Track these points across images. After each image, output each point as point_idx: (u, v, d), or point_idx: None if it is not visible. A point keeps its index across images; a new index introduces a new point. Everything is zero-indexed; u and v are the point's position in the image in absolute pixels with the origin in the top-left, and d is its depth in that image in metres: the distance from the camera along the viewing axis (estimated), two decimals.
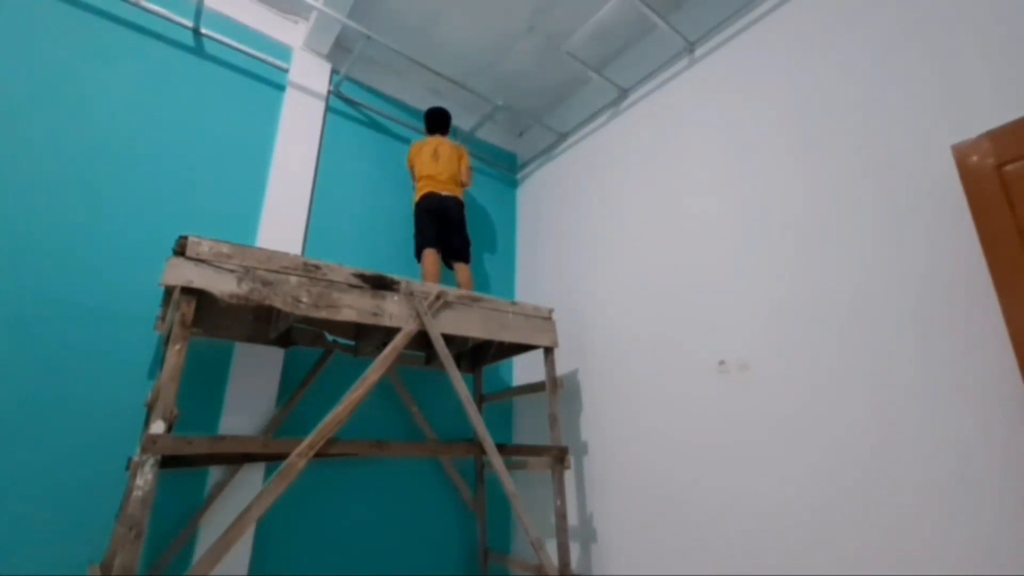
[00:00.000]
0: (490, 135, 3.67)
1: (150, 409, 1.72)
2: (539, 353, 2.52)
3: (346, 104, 3.03)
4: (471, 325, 2.18)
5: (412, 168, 2.93)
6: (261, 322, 2.17)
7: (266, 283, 1.68)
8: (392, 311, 1.94)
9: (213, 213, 2.36)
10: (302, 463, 1.65)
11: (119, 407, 1.93)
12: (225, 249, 1.63)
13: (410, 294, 2.01)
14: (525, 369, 3.12)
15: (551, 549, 2.23)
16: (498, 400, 3.01)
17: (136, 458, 1.40)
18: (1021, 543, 1.31)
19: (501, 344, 2.53)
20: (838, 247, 1.83)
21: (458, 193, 2.85)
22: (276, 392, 2.27)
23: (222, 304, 1.65)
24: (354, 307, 1.86)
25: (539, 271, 3.34)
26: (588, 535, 2.45)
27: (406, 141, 3.20)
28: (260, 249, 1.73)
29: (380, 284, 1.95)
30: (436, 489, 2.70)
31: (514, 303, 2.40)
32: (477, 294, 2.28)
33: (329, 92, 2.92)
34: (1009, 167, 1.35)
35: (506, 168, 3.76)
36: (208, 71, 2.55)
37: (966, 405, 1.46)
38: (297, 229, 2.56)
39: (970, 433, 1.44)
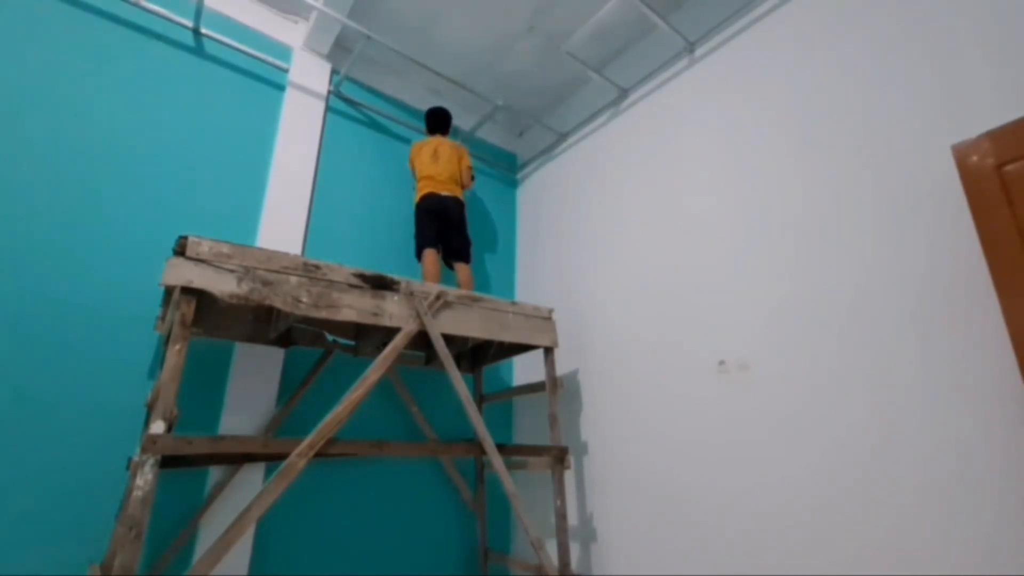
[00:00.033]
0: (490, 135, 3.66)
1: (150, 409, 1.72)
2: (539, 353, 2.52)
3: (346, 104, 3.03)
4: (471, 325, 2.18)
5: (413, 168, 2.94)
6: (261, 322, 2.17)
7: (266, 283, 1.68)
8: (392, 311, 1.94)
9: (213, 213, 2.36)
10: (302, 463, 1.65)
11: (119, 407, 1.93)
12: (225, 249, 1.63)
13: (410, 294, 2.01)
14: (525, 369, 3.12)
15: (551, 549, 2.23)
16: (498, 400, 3.01)
17: (136, 458, 1.40)
18: (1021, 543, 1.31)
19: (501, 344, 2.53)
20: (838, 247, 1.83)
21: (458, 193, 2.85)
22: (276, 392, 2.27)
23: (222, 304, 1.65)
24: (354, 307, 1.86)
25: (539, 271, 3.34)
26: (588, 535, 2.45)
27: (406, 141, 3.20)
28: (260, 249, 1.73)
29: (380, 284, 1.95)
30: (436, 489, 2.70)
31: (514, 303, 2.40)
32: (477, 294, 2.28)
33: (329, 92, 2.92)
34: (1009, 167, 1.35)
35: (506, 168, 3.76)
36: (208, 71, 2.55)
37: (966, 405, 1.46)
38: (297, 229, 2.56)
39: (970, 433, 1.44)
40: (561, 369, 2.76)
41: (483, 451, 2.11)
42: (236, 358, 2.22)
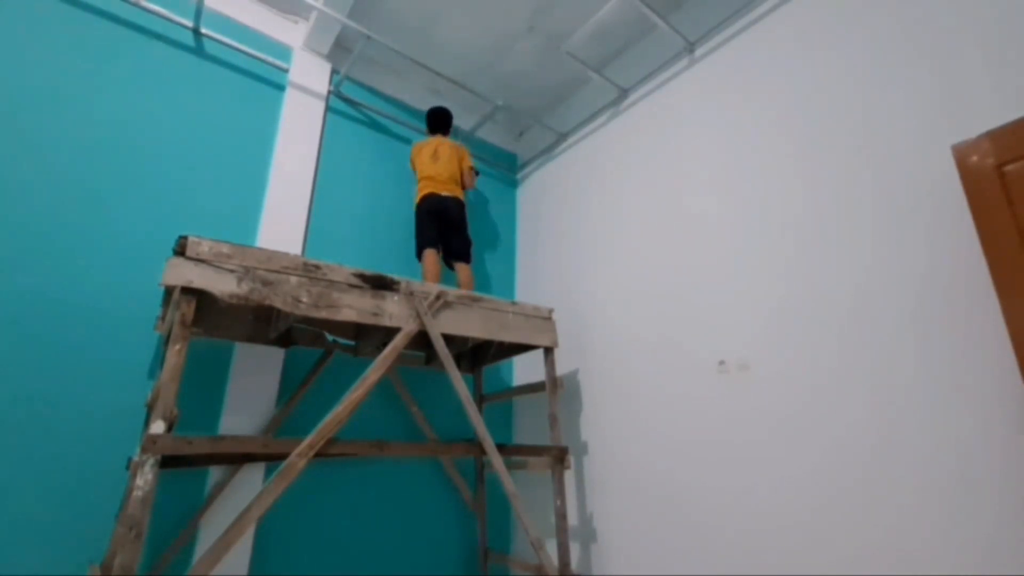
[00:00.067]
0: (490, 135, 3.66)
1: (150, 409, 1.72)
2: (539, 353, 2.52)
3: (346, 104, 3.03)
4: (471, 325, 2.18)
5: (414, 168, 2.94)
6: (261, 322, 2.17)
7: (266, 283, 1.68)
8: (392, 311, 1.94)
9: (213, 213, 2.36)
10: (302, 463, 1.65)
11: (119, 407, 1.93)
12: (225, 249, 1.63)
13: (410, 294, 2.01)
14: (525, 369, 3.12)
15: (551, 549, 2.23)
16: (498, 400, 3.01)
17: (136, 458, 1.40)
18: (1021, 543, 1.31)
19: (501, 344, 2.53)
20: (838, 247, 1.83)
21: (458, 193, 2.85)
22: (276, 392, 2.27)
23: (222, 304, 1.65)
24: (354, 307, 1.86)
25: (539, 271, 3.34)
26: (588, 535, 2.45)
27: (406, 141, 3.20)
28: (260, 249, 1.73)
29: (380, 284, 1.95)
30: (436, 489, 2.70)
31: (514, 303, 2.40)
32: (477, 294, 2.28)
33: (329, 92, 2.92)
34: (1009, 167, 1.35)
35: (506, 168, 3.76)
36: (208, 71, 2.55)
37: (966, 405, 1.46)
38: (297, 229, 2.56)
39: (970, 433, 1.44)
40: (561, 369, 2.76)
41: (483, 451, 2.11)
42: (236, 358, 2.22)
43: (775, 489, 1.82)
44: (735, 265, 2.15)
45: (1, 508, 1.68)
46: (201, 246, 1.59)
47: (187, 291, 1.54)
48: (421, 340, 2.11)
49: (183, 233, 1.60)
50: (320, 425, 1.71)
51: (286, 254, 1.77)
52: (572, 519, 2.50)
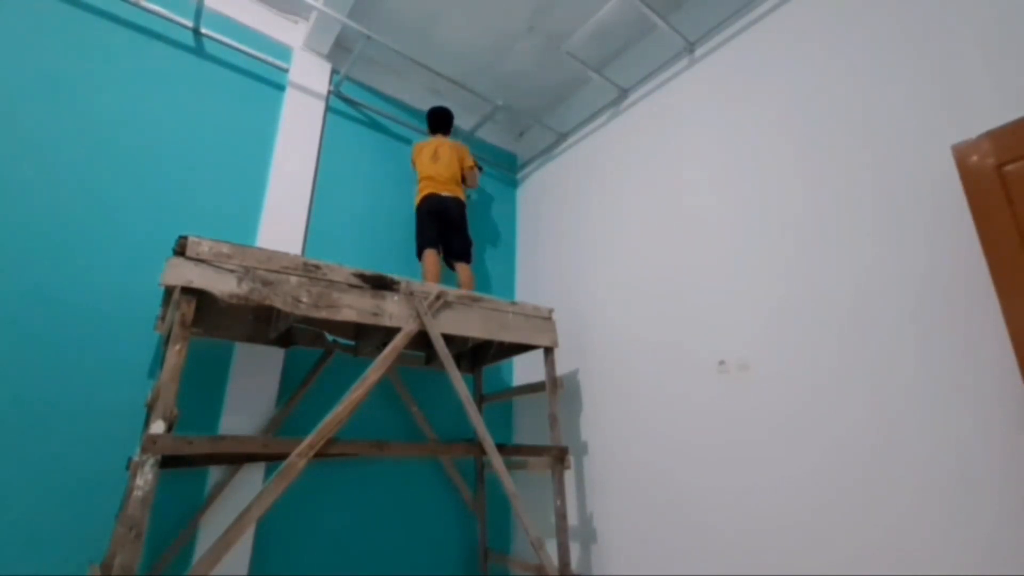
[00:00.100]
0: (490, 135, 3.67)
1: (150, 409, 1.72)
2: (539, 353, 2.52)
3: (346, 104, 3.03)
4: (471, 325, 2.18)
5: (415, 168, 2.94)
6: (261, 322, 2.17)
7: (266, 283, 1.68)
8: (392, 311, 1.94)
9: (213, 213, 2.36)
10: (302, 463, 1.65)
11: (119, 407, 1.93)
12: (225, 249, 1.63)
13: (410, 294, 2.01)
14: (525, 369, 3.12)
15: (551, 549, 2.23)
16: (498, 400, 3.01)
17: (136, 458, 1.40)
18: (1021, 543, 1.31)
19: (501, 344, 2.53)
20: (838, 247, 1.83)
21: (459, 193, 2.85)
22: (276, 392, 2.27)
23: (222, 304, 1.65)
24: (354, 307, 1.86)
25: (539, 271, 3.34)
26: (588, 535, 2.45)
27: (406, 141, 3.20)
28: (260, 249, 1.73)
29: (380, 284, 1.95)
30: (436, 489, 2.70)
31: (514, 303, 2.40)
32: (477, 294, 2.28)
33: (329, 92, 2.92)
34: (1009, 167, 1.35)
35: (506, 168, 3.76)
36: (208, 71, 2.55)
37: (966, 405, 1.46)
38: (297, 229, 2.56)
39: (970, 433, 1.44)
40: (561, 369, 2.76)
41: (483, 451, 2.11)
42: (236, 358, 2.22)
43: (775, 489, 1.82)
44: (735, 265, 2.15)
45: (1, 508, 1.68)
46: (201, 246, 1.59)
47: (187, 291, 1.54)
48: (421, 340, 2.11)
49: (183, 233, 1.61)
50: (320, 425, 1.71)
51: (286, 254, 1.77)
52: (572, 519, 2.50)
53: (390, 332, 2.03)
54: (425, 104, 3.22)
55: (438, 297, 2.08)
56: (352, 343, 2.44)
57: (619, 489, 2.38)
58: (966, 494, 1.41)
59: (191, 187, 2.34)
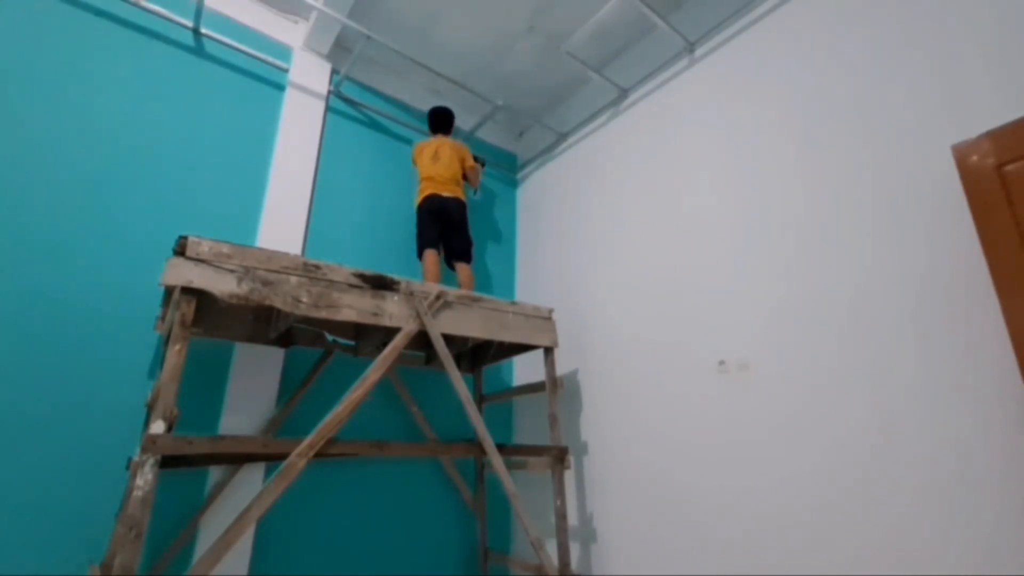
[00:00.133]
0: (490, 135, 3.67)
1: (150, 409, 1.72)
2: (539, 353, 2.52)
3: (346, 104, 3.03)
4: (471, 325, 2.18)
5: (416, 168, 2.94)
6: (261, 322, 2.17)
7: (266, 283, 1.68)
8: (392, 311, 1.94)
9: (213, 213, 2.36)
10: (302, 463, 1.65)
11: (119, 407, 1.93)
12: (225, 249, 1.63)
13: (410, 294, 2.01)
14: (525, 369, 3.12)
15: (551, 549, 2.23)
16: (498, 400, 3.01)
17: (136, 458, 1.40)
18: (1021, 543, 1.31)
19: (501, 344, 2.53)
20: (838, 247, 1.83)
21: (459, 194, 2.85)
22: (276, 392, 2.27)
23: (222, 304, 1.65)
24: (354, 307, 1.86)
25: (539, 271, 3.34)
26: (588, 535, 2.45)
27: (406, 141, 3.20)
28: (260, 249, 1.73)
29: (380, 284, 1.95)
30: (436, 489, 2.70)
31: (514, 303, 2.40)
32: (477, 294, 2.28)
33: (329, 92, 2.92)
34: (1009, 167, 1.35)
35: (506, 168, 3.76)
36: (208, 71, 2.55)
37: (966, 405, 1.46)
38: (297, 229, 2.56)
39: (970, 433, 1.44)
40: (561, 369, 2.76)
41: (483, 451, 2.11)
42: (236, 358, 2.22)
43: (775, 489, 1.82)
44: (735, 265, 2.15)
45: (1, 508, 1.68)
46: (201, 246, 1.59)
47: (187, 291, 1.54)
48: (421, 340, 2.11)
49: (183, 233, 1.61)
50: (320, 425, 1.71)
51: (286, 254, 1.77)
52: (572, 519, 2.50)
53: (390, 332, 2.03)
54: (425, 104, 3.22)
55: (438, 297, 2.08)
56: (352, 343, 2.44)
57: (619, 489, 2.38)
58: (966, 494, 1.41)
59: (191, 187, 2.34)
